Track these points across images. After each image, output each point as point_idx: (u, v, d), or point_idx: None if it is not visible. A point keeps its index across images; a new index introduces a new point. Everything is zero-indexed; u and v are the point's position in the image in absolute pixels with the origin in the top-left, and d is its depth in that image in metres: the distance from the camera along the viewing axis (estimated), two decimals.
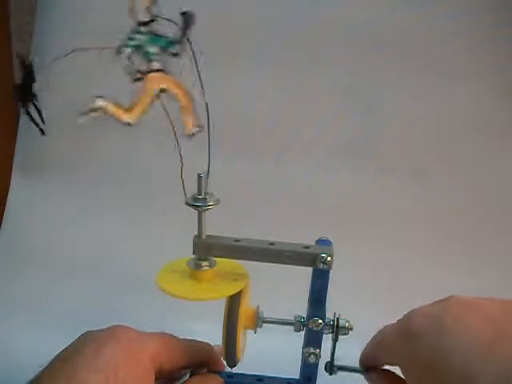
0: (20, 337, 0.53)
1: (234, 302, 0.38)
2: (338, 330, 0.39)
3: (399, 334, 0.32)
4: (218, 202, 0.35)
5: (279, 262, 0.36)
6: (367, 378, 0.38)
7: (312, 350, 0.39)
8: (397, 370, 0.33)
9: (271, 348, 0.49)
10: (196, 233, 0.37)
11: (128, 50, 0.29)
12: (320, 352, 0.39)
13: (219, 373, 0.40)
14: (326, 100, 0.61)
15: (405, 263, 0.60)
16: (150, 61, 0.29)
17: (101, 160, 0.64)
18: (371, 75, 0.60)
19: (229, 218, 0.47)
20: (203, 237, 0.37)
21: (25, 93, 0.29)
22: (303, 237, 0.37)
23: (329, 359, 0.40)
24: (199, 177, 0.35)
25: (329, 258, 0.36)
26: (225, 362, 0.40)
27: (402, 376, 0.32)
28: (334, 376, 0.40)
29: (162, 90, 0.30)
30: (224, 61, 0.59)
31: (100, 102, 0.29)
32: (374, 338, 0.37)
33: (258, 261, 0.36)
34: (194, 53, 0.28)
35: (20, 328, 0.54)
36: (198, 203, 0.35)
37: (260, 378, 0.43)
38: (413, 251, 0.61)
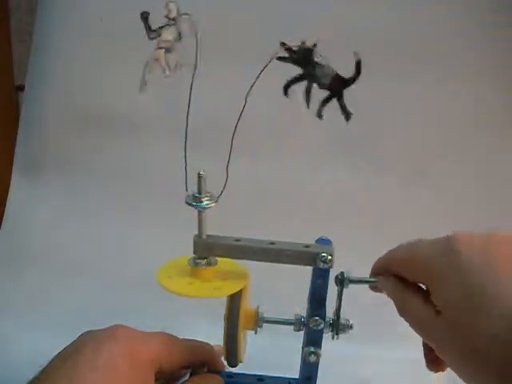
0: (20, 337, 0.53)
1: (234, 301, 0.38)
2: (338, 326, 0.39)
3: (441, 246, 0.31)
4: (216, 201, 0.35)
5: (279, 262, 0.36)
6: (381, 282, 0.37)
7: (312, 349, 0.39)
8: None
9: (271, 348, 0.49)
10: (196, 232, 0.37)
11: None
12: (320, 351, 0.39)
13: (219, 373, 0.40)
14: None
15: None
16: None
17: (101, 160, 0.64)
18: (371, 75, 0.60)
19: (229, 217, 0.47)
20: (203, 236, 0.37)
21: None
22: (303, 236, 0.37)
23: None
24: (199, 176, 0.35)
25: (329, 257, 0.36)
26: (225, 362, 0.40)
27: None
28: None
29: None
30: (224, 60, 0.59)
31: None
32: (399, 248, 0.36)
33: (258, 260, 0.37)
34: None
35: (20, 328, 0.54)
36: (198, 202, 0.35)
37: (260, 378, 0.43)
38: None
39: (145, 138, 0.63)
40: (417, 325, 0.32)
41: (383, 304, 0.40)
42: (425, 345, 0.35)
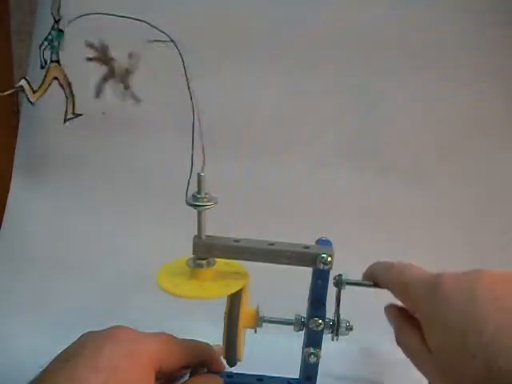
0: (20, 337, 0.53)
1: (234, 301, 0.38)
2: (338, 328, 0.39)
3: (428, 290, 0.33)
4: (216, 201, 0.35)
5: (279, 263, 0.36)
6: (385, 310, 0.39)
7: (312, 349, 0.39)
8: None
9: (271, 348, 0.49)
10: (196, 233, 0.37)
11: (44, 44, 0.36)
12: (320, 352, 0.39)
13: (219, 373, 0.40)
14: (326, 100, 0.61)
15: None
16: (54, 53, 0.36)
17: (100, 160, 0.64)
18: (371, 75, 0.60)
19: (229, 218, 0.47)
20: (203, 237, 0.37)
21: None
22: (303, 237, 0.37)
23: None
24: (199, 176, 0.35)
25: (329, 259, 0.36)
26: (225, 362, 0.40)
27: None
28: None
29: (54, 78, 0.37)
30: (224, 60, 0.59)
31: (21, 82, 0.35)
32: (391, 266, 0.38)
33: (257, 261, 0.37)
34: (180, 53, 0.29)
35: (20, 328, 0.54)
36: (197, 203, 0.35)
37: (260, 378, 0.43)
38: (413, 251, 0.61)
39: (145, 138, 0.63)
40: (411, 356, 0.35)
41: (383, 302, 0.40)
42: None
